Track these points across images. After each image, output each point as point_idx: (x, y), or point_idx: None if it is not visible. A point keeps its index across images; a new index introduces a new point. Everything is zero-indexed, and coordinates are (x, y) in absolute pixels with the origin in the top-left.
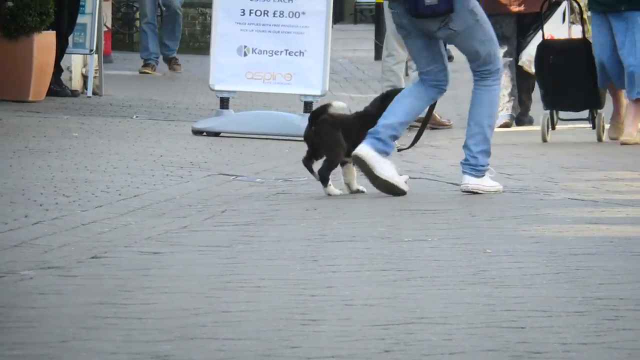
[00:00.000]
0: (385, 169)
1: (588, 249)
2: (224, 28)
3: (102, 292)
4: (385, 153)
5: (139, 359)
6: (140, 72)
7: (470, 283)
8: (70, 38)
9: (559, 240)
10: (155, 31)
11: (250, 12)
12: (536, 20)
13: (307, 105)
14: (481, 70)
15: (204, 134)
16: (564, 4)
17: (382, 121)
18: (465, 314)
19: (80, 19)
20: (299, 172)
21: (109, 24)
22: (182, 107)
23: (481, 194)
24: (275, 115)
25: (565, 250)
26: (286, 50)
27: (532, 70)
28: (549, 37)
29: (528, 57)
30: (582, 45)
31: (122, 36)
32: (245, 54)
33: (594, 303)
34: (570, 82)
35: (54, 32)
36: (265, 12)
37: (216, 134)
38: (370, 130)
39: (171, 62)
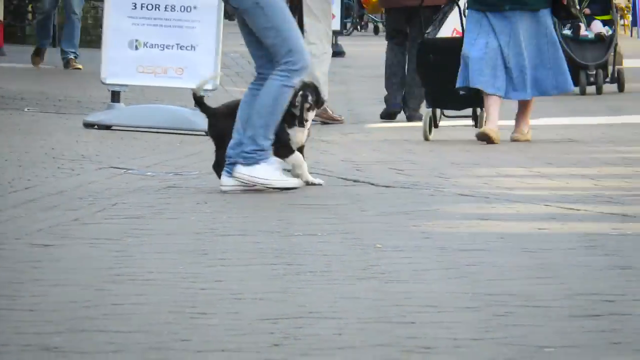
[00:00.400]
0: (259, 177)
1: (478, 244)
2: (116, 22)
3: None
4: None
5: (28, 351)
6: (34, 63)
7: (360, 278)
8: None
9: (450, 235)
10: (50, 25)
11: (142, 6)
12: (434, 14)
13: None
14: (275, 60)
15: (95, 127)
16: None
17: (230, 143)
18: (355, 309)
19: None
20: (189, 166)
21: (1, 17)
22: (74, 100)
23: (254, 184)
24: (166, 109)
25: (455, 246)
26: (177, 44)
27: None
28: (454, 32)
29: None
30: (461, 43)
31: (14, 29)
32: (136, 48)
33: (483, 299)
34: (451, 80)
35: None
36: (157, 6)
37: (107, 127)
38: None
39: (70, 62)
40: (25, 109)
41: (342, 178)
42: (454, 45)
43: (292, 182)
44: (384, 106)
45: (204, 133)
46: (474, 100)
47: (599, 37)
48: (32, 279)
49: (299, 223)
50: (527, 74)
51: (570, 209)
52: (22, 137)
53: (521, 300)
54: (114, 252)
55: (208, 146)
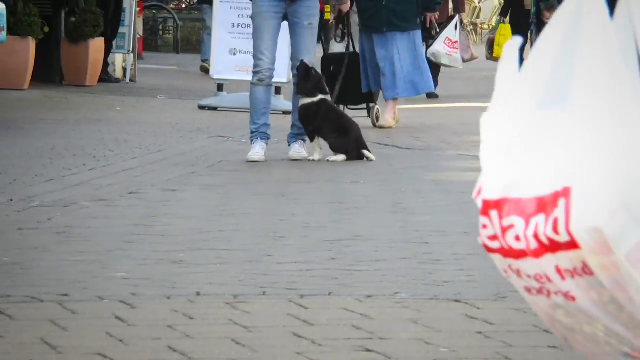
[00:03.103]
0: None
1: (472, 188)
2: (220, 36)
3: (137, 217)
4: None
5: (162, 264)
6: (202, 70)
7: (390, 212)
8: (114, 42)
9: (452, 183)
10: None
11: (238, 25)
12: (439, 26)
13: (278, 89)
14: None
15: (206, 108)
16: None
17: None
18: (387, 234)
19: (121, 30)
20: (273, 135)
21: (141, 33)
22: (192, 90)
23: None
24: None
25: (456, 190)
26: None
27: (436, 60)
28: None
29: (432, 51)
30: (353, 57)
31: (150, 41)
32: (234, 54)
33: (476, 226)
34: (347, 84)
35: (103, 38)
36: (248, 25)
37: (215, 109)
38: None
39: (202, 67)
40: (158, 96)
41: (377, 143)
42: (344, 58)
43: (255, 157)
44: None
45: (281, 112)
46: (366, 99)
47: None
48: (163, 214)
49: (348, 174)
50: (399, 78)
51: None
52: (155, 115)
53: None
54: (220, 194)
55: (283, 122)
